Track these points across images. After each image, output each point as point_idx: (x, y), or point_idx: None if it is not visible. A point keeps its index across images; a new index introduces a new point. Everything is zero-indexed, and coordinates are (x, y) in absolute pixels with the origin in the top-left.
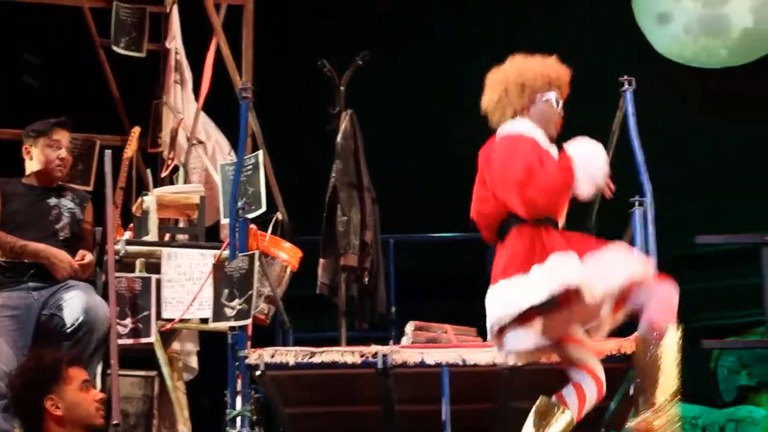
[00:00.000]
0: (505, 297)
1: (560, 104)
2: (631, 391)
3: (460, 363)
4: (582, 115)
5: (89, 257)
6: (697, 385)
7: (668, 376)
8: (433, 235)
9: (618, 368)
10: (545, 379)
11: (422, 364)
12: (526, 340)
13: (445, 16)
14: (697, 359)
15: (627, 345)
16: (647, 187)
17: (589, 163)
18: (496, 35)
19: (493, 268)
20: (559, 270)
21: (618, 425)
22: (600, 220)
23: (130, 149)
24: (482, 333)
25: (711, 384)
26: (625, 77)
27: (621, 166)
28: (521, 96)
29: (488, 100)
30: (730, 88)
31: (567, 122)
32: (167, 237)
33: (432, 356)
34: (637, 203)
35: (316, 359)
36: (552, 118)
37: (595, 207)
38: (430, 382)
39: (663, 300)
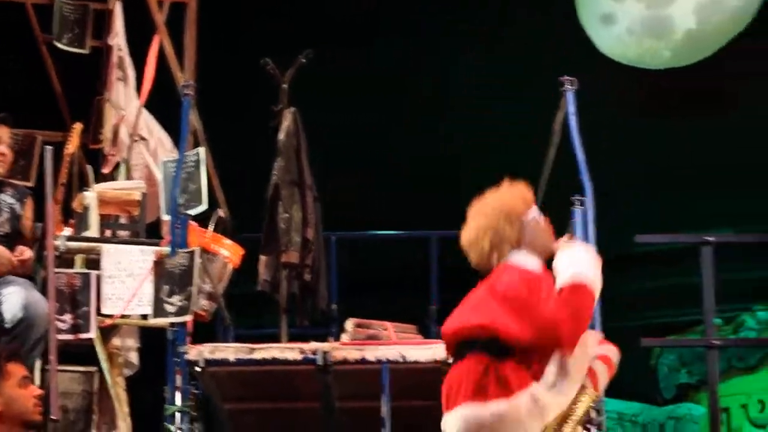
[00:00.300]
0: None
1: (540, 216)
2: None
3: (401, 360)
4: (527, 116)
5: (28, 253)
6: (637, 383)
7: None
8: (375, 233)
9: None
10: None
11: (362, 361)
12: None
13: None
14: (637, 357)
15: None
16: (588, 186)
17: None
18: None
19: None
20: None
21: None
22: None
23: (72, 145)
24: (423, 330)
25: (651, 382)
26: (566, 77)
27: (562, 165)
28: (513, 228)
29: (479, 254)
30: (671, 88)
31: (512, 123)
32: (108, 233)
33: (372, 353)
34: (577, 203)
35: (256, 356)
36: (544, 233)
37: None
38: (370, 379)
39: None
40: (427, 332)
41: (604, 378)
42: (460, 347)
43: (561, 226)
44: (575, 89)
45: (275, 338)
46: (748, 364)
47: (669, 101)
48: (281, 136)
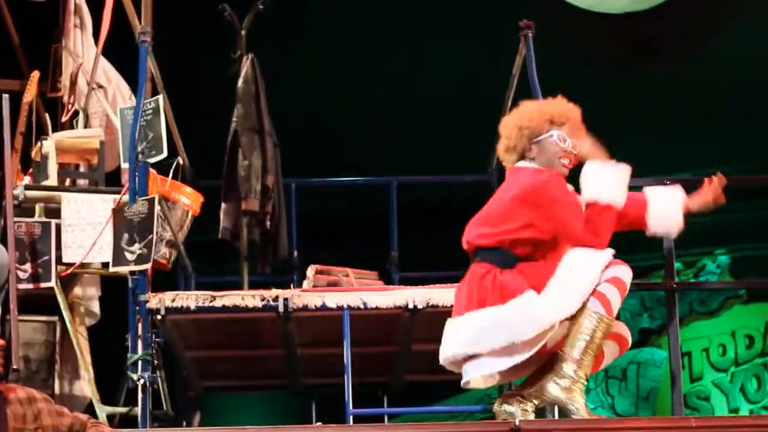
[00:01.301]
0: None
1: (568, 141)
2: None
3: (361, 306)
4: (486, 61)
5: None
6: None
7: (590, 356)
8: (335, 179)
9: None
10: (443, 321)
11: (323, 307)
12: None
13: None
14: None
15: None
16: None
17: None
18: None
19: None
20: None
21: None
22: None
23: (30, 94)
24: (383, 276)
25: None
26: (525, 21)
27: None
28: (521, 138)
29: (499, 149)
30: (630, 33)
31: (470, 68)
32: (67, 182)
33: (333, 299)
34: None
35: (217, 303)
36: (556, 156)
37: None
38: (332, 325)
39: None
40: (389, 278)
41: (616, 300)
42: (473, 254)
43: None
44: (533, 34)
45: (237, 286)
46: (710, 309)
47: (628, 47)
48: (240, 83)
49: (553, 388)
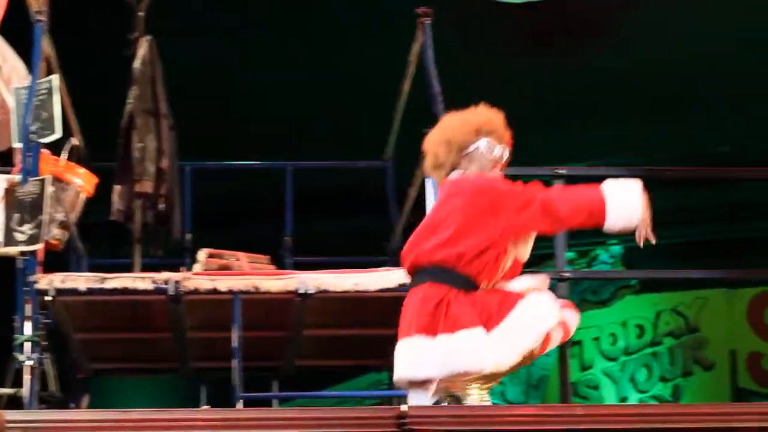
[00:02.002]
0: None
1: (496, 149)
2: None
3: (253, 290)
4: (384, 47)
5: None
6: None
7: None
8: (230, 163)
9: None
10: (336, 308)
11: (214, 291)
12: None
13: None
14: None
15: None
16: (441, 118)
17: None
18: None
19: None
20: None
21: None
22: (396, 151)
23: None
24: (276, 261)
25: None
26: (423, 9)
27: (416, 96)
28: (449, 154)
29: (426, 166)
30: (528, 23)
31: (366, 53)
32: None
33: (224, 283)
34: None
35: (108, 285)
36: (486, 167)
37: (392, 138)
38: (222, 309)
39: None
40: (282, 263)
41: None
42: (418, 273)
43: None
44: (431, 21)
45: (129, 268)
46: (601, 298)
47: (527, 37)
48: (136, 64)
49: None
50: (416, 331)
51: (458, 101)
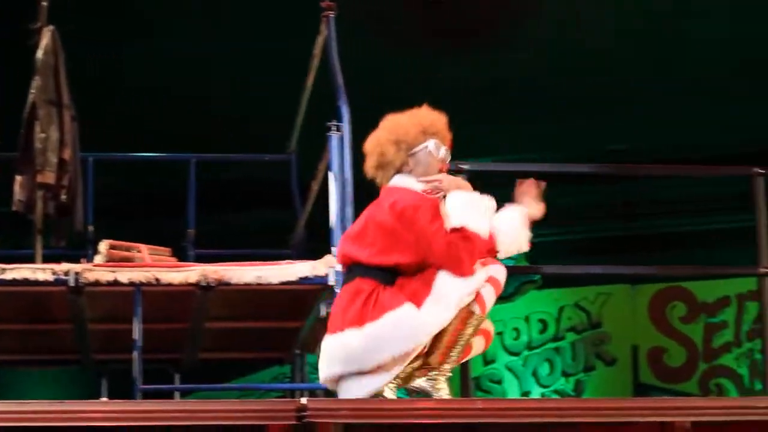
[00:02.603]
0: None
1: (441, 150)
2: (323, 313)
3: (154, 282)
4: (288, 39)
5: None
6: None
7: (458, 350)
8: (133, 155)
9: (312, 290)
10: (238, 300)
11: (115, 282)
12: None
13: None
14: None
15: (320, 267)
16: (345, 111)
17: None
18: None
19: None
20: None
21: (311, 346)
22: (300, 144)
23: None
24: (178, 253)
25: None
26: (327, 2)
27: (319, 90)
28: (398, 153)
29: (369, 166)
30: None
31: (272, 46)
32: None
33: (125, 275)
34: (334, 128)
35: (8, 276)
36: (434, 166)
37: (296, 131)
38: (123, 301)
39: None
40: (184, 255)
41: (491, 300)
42: (350, 269)
43: (319, 150)
44: (336, 14)
45: (31, 259)
46: (505, 293)
47: (430, 34)
48: (39, 54)
49: (420, 378)
50: (346, 325)
51: (363, 96)
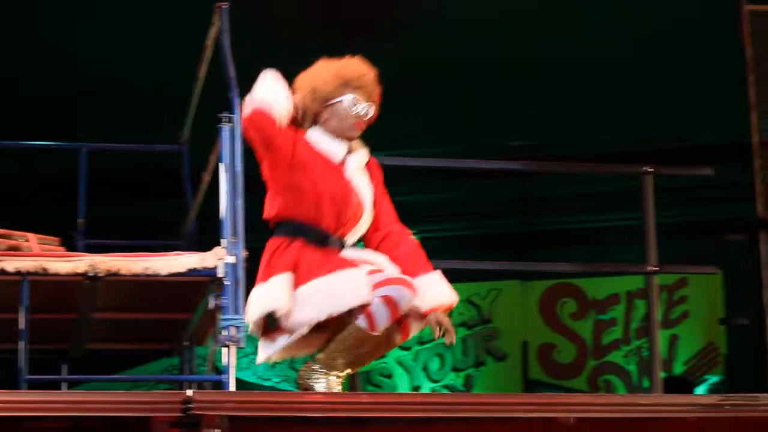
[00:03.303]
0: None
1: (359, 106)
2: (211, 305)
3: (41, 272)
4: (183, 31)
5: None
6: None
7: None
8: (23, 143)
9: (201, 282)
10: (127, 291)
11: (2, 272)
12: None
13: None
14: None
15: (209, 259)
16: (236, 103)
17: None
18: None
19: None
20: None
21: (200, 338)
22: (192, 135)
23: None
24: (66, 243)
25: None
26: None
27: (212, 81)
28: (313, 102)
29: (293, 107)
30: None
31: (165, 36)
32: None
33: (12, 264)
34: (225, 119)
35: None
36: (346, 121)
37: (188, 121)
38: (10, 290)
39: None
40: (74, 245)
41: (382, 318)
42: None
43: (210, 141)
44: (229, 6)
45: None
46: None
47: (329, 24)
48: None
49: (305, 373)
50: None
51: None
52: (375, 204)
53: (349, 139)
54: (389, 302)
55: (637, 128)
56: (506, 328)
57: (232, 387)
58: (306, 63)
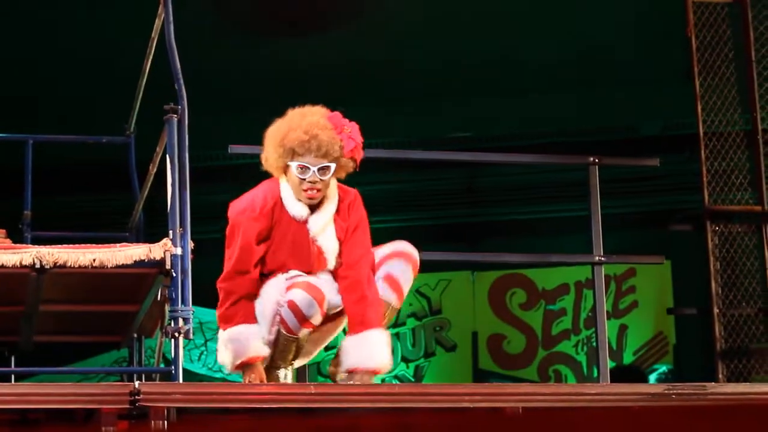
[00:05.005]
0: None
1: (310, 172)
2: (159, 297)
3: None
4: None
5: None
6: None
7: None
8: None
9: (148, 273)
10: (75, 283)
11: None
12: None
13: None
14: None
15: (156, 250)
16: (182, 95)
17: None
18: None
19: None
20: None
21: (148, 330)
22: (139, 128)
23: None
24: (14, 235)
25: None
26: None
27: (158, 72)
28: (279, 159)
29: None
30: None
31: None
32: None
33: None
34: (171, 111)
35: None
36: (298, 187)
37: (134, 113)
38: None
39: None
40: (21, 238)
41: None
42: None
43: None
44: None
45: None
46: None
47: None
48: None
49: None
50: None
51: (200, 78)
52: (342, 250)
53: (310, 202)
54: (293, 306)
55: (583, 119)
56: (456, 318)
57: (180, 378)
58: (257, 56)
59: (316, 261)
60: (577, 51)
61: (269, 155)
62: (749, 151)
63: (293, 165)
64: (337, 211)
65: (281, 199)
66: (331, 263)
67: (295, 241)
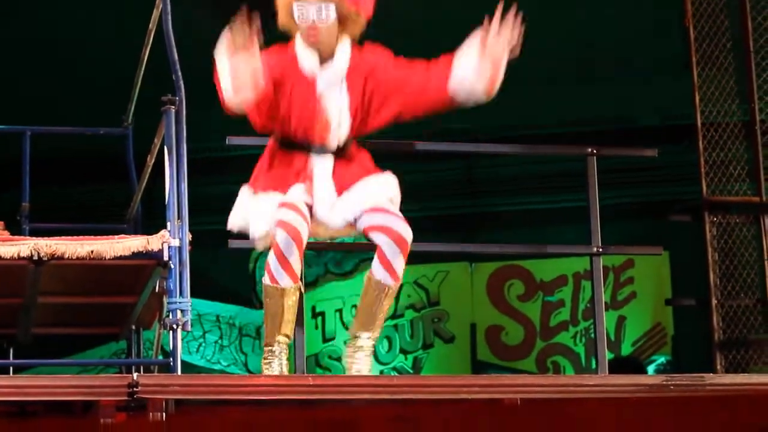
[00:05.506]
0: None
1: (303, 11)
2: (157, 288)
3: None
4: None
5: None
6: (235, 286)
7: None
8: None
9: (146, 265)
10: (73, 275)
11: None
12: None
13: None
14: (237, 261)
15: (154, 242)
16: (180, 86)
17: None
18: None
19: None
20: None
21: (146, 322)
22: (136, 120)
23: None
24: (12, 227)
25: (249, 285)
26: None
27: (157, 62)
28: (285, 18)
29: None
30: None
31: (108, 18)
32: None
33: None
34: (169, 102)
35: None
36: (302, 29)
37: (132, 105)
38: None
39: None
40: (19, 229)
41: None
42: None
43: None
44: None
45: None
46: (344, 270)
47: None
48: None
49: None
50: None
51: (198, 70)
52: (399, 76)
53: (314, 46)
54: (274, 248)
55: (581, 110)
56: (454, 310)
57: (179, 370)
58: None
59: (322, 126)
60: (576, 41)
61: (280, 14)
62: (747, 141)
63: (295, 9)
64: (352, 68)
65: (295, 52)
66: (334, 123)
67: (300, 96)
